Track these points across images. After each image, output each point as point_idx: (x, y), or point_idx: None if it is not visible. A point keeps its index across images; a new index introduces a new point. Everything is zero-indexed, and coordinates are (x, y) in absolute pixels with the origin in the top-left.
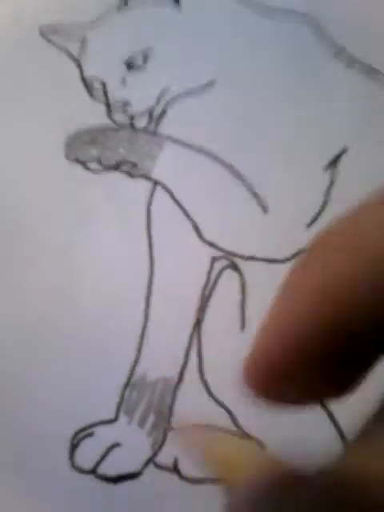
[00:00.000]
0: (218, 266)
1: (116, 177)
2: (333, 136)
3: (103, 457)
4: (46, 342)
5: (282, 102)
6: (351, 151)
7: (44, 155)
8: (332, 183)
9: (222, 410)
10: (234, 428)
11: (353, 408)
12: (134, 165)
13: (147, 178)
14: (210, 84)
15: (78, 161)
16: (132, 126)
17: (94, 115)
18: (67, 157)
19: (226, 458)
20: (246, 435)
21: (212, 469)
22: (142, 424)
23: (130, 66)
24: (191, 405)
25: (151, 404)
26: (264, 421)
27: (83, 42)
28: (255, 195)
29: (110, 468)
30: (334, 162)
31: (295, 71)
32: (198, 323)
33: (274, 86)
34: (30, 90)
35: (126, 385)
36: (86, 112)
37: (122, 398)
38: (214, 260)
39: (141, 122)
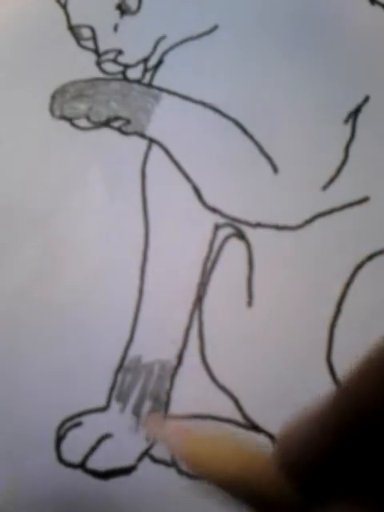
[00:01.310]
0: (221, 234)
1: (107, 134)
2: (353, 84)
3: (93, 449)
4: (27, 322)
5: (293, 47)
6: (373, 101)
7: (27, 113)
8: (352, 138)
9: (226, 397)
10: (238, 415)
11: None
12: (127, 121)
13: (141, 135)
14: (211, 30)
15: (64, 118)
16: (125, 77)
17: (82, 66)
18: (52, 113)
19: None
20: (251, 423)
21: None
22: (136, 412)
23: (122, 10)
24: (191, 390)
25: (147, 390)
26: (270, 407)
27: None
28: (264, 153)
29: (100, 462)
30: (355, 114)
31: (308, 10)
32: (199, 299)
33: (285, 29)
34: (12, 41)
35: (119, 368)
36: (73, 63)
37: (114, 383)
38: (217, 227)
39: (134, 73)
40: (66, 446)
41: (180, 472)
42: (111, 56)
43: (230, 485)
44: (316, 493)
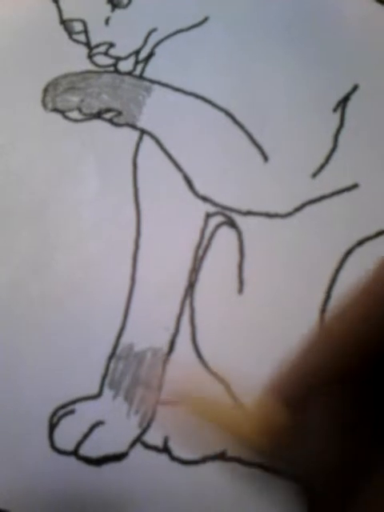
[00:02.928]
0: (212, 222)
1: (98, 126)
2: (341, 73)
3: (85, 436)
4: (20, 311)
5: (282, 38)
6: (362, 89)
7: (20, 106)
8: (341, 126)
9: (218, 382)
10: (230, 400)
11: None
12: (119, 112)
13: (133, 126)
14: (201, 22)
15: (56, 110)
16: (116, 69)
17: (74, 59)
18: (45, 106)
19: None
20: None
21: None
22: (128, 399)
23: (113, 4)
24: (183, 377)
25: (139, 377)
26: (261, 392)
27: None
28: (254, 143)
29: (93, 449)
30: (344, 102)
31: (297, 2)
32: (191, 287)
33: (274, 21)
34: (4, 35)
35: (111, 356)
36: (65, 56)
37: (107, 370)
38: (208, 216)
39: (126, 66)
40: (58, 433)
41: (172, 458)
42: (103, 49)
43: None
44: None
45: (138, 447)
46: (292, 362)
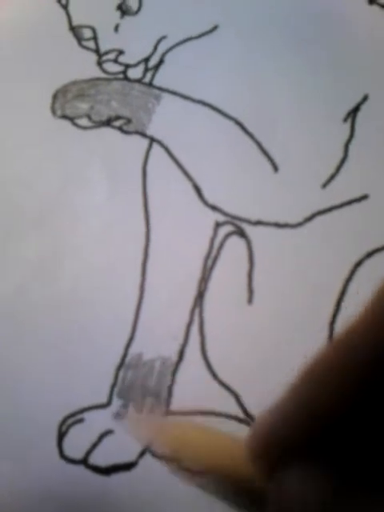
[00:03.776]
0: (222, 231)
1: (108, 133)
2: (352, 83)
3: (94, 445)
4: (28, 320)
5: (292, 47)
6: (373, 99)
7: (29, 112)
8: (351, 136)
9: (227, 393)
10: (239, 411)
11: None
12: (128, 120)
13: (142, 134)
14: (212, 30)
15: (65, 117)
16: (125, 76)
17: (83, 66)
18: (54, 113)
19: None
20: (252, 419)
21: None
22: (137, 408)
23: (123, 11)
24: (192, 387)
25: (148, 386)
26: (271, 403)
27: None
28: (264, 152)
29: (102, 458)
30: (354, 113)
31: (307, 10)
32: (200, 296)
33: (284, 29)
34: (14, 42)
35: (120, 365)
36: (74, 63)
37: (116, 379)
38: (217, 225)
39: (135, 73)
40: (67, 442)
41: (173, 472)
42: (112, 56)
43: (205, 471)
44: (277, 466)
45: (147, 457)
46: (265, 419)
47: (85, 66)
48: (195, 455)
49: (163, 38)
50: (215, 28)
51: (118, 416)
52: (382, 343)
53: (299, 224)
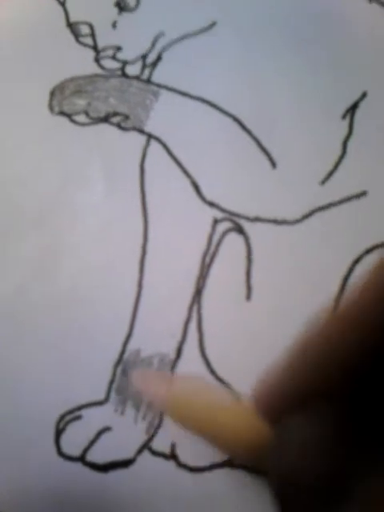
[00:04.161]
0: (220, 228)
1: (105, 130)
2: (350, 80)
3: (92, 442)
4: (26, 317)
5: (290, 44)
6: (371, 97)
7: (26, 109)
8: (350, 133)
9: (225, 390)
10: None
11: None
12: (126, 116)
13: (140, 131)
14: (210, 27)
15: (63, 114)
16: (123, 73)
17: (81, 63)
18: (52, 110)
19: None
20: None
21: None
22: (135, 406)
23: (121, 7)
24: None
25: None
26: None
27: None
28: (262, 149)
29: (99, 455)
30: (352, 110)
31: (306, 7)
32: (198, 293)
33: (282, 26)
34: (11, 38)
35: (118, 362)
36: (72, 60)
37: (114, 376)
38: (215, 222)
39: (133, 69)
40: (65, 439)
41: (179, 465)
42: (110, 52)
43: (210, 431)
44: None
45: (145, 454)
46: (272, 373)
47: (82, 62)
48: (202, 412)
49: (161, 34)
50: (213, 25)
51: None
52: None
53: (297, 221)
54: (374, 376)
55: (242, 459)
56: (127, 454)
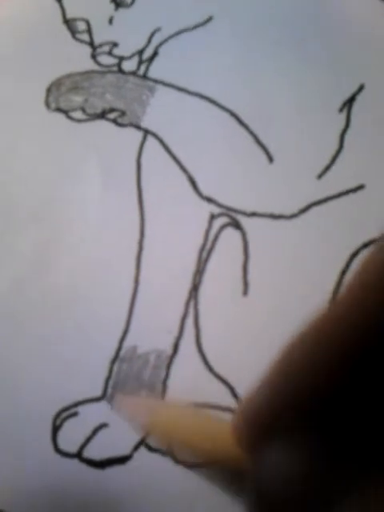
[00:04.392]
0: (217, 223)
1: (102, 126)
2: (347, 73)
3: (89, 439)
4: (23, 313)
5: (287, 37)
6: (368, 90)
7: (23, 106)
8: (347, 127)
9: (222, 385)
10: (234, 403)
11: None
12: (122, 112)
13: (137, 126)
14: (206, 22)
15: (60, 110)
16: (120, 69)
17: (77, 59)
18: (48, 106)
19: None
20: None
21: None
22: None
23: (117, 3)
24: (187, 380)
25: (143, 379)
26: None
27: None
28: (259, 143)
29: (96, 451)
30: (349, 103)
31: (302, 1)
32: (195, 289)
33: (278, 20)
34: (7, 35)
35: (115, 358)
36: (68, 56)
37: (110, 372)
38: (212, 217)
39: (129, 65)
40: (62, 435)
41: (176, 461)
42: (106, 48)
43: (196, 454)
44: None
45: (142, 450)
46: (249, 397)
47: (79, 58)
48: (185, 437)
49: (157, 30)
50: (210, 19)
51: (110, 400)
52: (368, 316)
53: (294, 215)
54: (353, 394)
55: (224, 484)
56: (124, 450)
